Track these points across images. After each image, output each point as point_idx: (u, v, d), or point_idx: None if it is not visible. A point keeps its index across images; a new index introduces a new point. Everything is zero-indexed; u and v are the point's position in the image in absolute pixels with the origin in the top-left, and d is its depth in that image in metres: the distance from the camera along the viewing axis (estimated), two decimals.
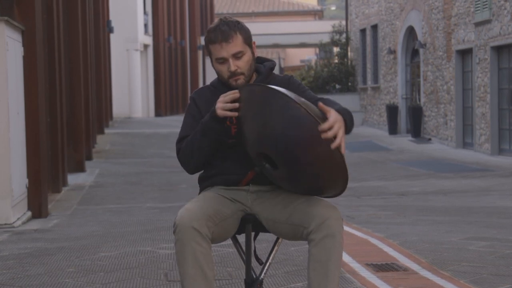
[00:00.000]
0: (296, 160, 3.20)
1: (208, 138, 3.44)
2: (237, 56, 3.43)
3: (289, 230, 3.40)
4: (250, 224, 3.49)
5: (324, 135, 3.12)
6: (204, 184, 3.59)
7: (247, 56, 3.46)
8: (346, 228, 7.30)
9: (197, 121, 3.52)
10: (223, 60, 3.44)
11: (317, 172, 3.22)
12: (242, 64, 3.44)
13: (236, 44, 3.43)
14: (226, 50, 3.41)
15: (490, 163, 15.74)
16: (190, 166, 3.52)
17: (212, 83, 3.61)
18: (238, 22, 3.48)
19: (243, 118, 3.35)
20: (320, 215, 3.29)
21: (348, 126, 3.26)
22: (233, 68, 3.42)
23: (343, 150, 3.16)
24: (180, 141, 3.56)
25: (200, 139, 3.45)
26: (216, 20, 3.50)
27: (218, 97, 3.45)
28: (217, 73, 3.51)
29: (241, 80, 3.45)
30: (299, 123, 3.14)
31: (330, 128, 3.13)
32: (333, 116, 3.17)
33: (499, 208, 9.28)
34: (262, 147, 3.29)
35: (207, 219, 3.32)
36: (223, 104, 3.36)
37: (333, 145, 3.13)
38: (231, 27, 3.44)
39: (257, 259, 3.56)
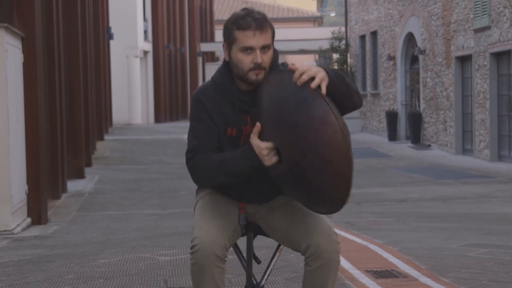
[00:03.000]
0: (296, 131, 3.07)
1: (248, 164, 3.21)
2: (264, 48, 3.22)
3: (287, 240, 3.36)
4: (252, 232, 3.48)
5: (299, 81, 3.06)
6: (202, 194, 3.48)
7: (271, 53, 3.25)
8: (346, 234, 7.30)
9: (208, 125, 3.28)
10: (250, 50, 3.20)
11: (320, 157, 3.04)
12: (267, 59, 3.23)
13: (267, 36, 3.23)
14: (257, 39, 3.19)
15: (489, 170, 15.74)
16: (212, 182, 3.30)
17: (216, 81, 3.33)
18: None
19: (262, 113, 3.20)
20: (316, 244, 3.22)
21: (332, 78, 3.10)
22: (259, 59, 3.20)
23: (323, 91, 3.06)
24: (192, 150, 3.28)
25: (238, 167, 3.22)
26: (239, 10, 3.28)
27: (227, 99, 3.28)
28: (236, 64, 3.24)
29: (261, 75, 3.22)
30: (304, 97, 3.07)
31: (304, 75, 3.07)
32: (307, 65, 3.12)
33: (498, 214, 9.28)
34: (272, 129, 3.14)
35: (226, 240, 3.26)
36: (268, 155, 3.14)
37: (313, 84, 3.05)
38: (264, 18, 3.23)
39: (255, 258, 3.53)
